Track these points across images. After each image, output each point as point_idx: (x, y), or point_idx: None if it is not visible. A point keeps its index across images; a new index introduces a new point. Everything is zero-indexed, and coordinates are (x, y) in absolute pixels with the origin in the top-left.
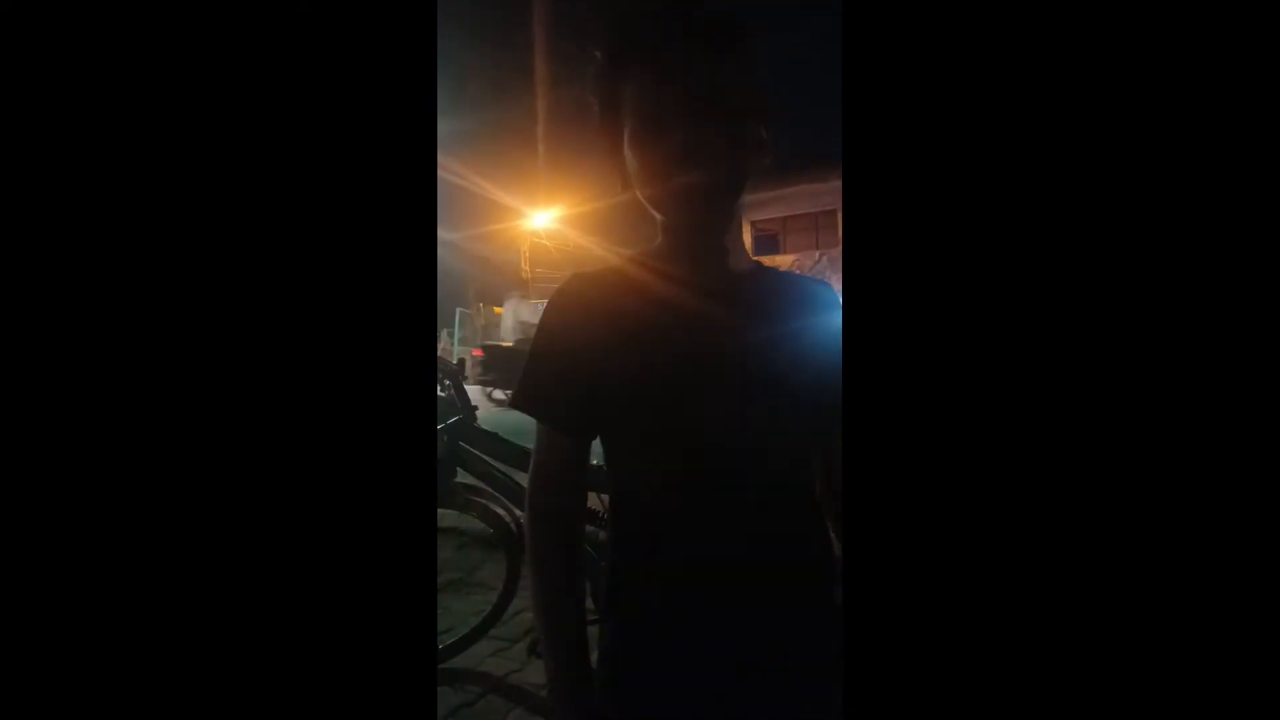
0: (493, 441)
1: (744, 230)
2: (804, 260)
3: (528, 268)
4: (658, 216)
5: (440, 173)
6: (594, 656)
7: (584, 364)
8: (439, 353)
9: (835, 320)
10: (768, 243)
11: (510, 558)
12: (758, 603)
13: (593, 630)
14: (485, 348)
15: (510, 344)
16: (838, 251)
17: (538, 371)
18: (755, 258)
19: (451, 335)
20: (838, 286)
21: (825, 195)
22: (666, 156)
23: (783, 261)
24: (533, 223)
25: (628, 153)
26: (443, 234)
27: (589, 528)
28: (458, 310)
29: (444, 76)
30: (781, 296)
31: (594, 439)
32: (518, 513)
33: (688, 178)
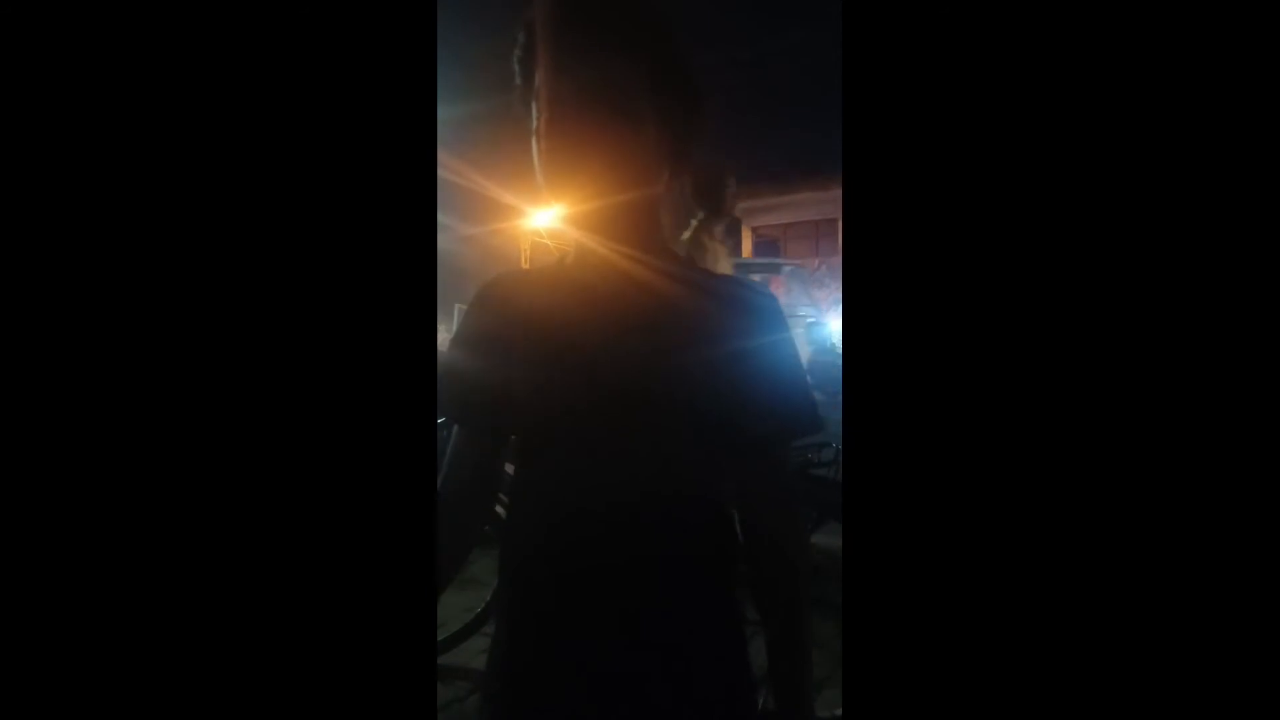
0: None
1: (745, 233)
2: (804, 267)
3: (528, 266)
4: (555, 213)
5: (441, 171)
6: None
7: (495, 367)
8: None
9: (764, 331)
10: (768, 249)
11: None
12: (651, 617)
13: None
14: None
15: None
16: (838, 259)
17: (451, 372)
18: (758, 257)
19: (450, 331)
20: (838, 294)
21: (827, 203)
22: (559, 147)
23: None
24: (533, 221)
25: (533, 141)
26: (453, 230)
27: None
28: (455, 306)
29: (443, 72)
30: (704, 303)
31: (508, 436)
32: None
33: (576, 173)
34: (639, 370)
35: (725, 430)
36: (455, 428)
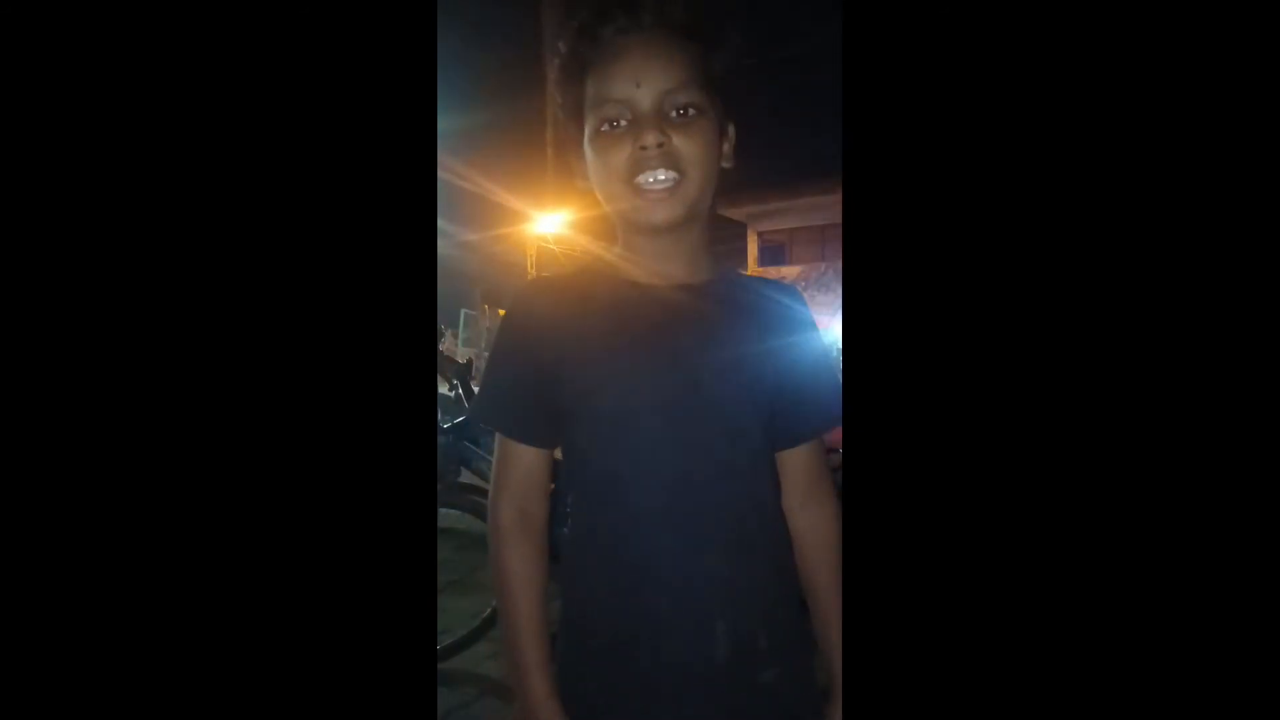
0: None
1: (752, 238)
2: (809, 272)
3: (534, 272)
4: (616, 218)
5: (447, 176)
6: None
7: (540, 372)
8: (445, 353)
9: (798, 330)
10: (774, 254)
11: None
12: (713, 621)
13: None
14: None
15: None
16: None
17: (495, 380)
18: (761, 268)
19: (456, 336)
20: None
21: (833, 208)
22: (623, 154)
23: (789, 273)
24: (539, 227)
25: (586, 148)
26: (460, 235)
27: None
28: (463, 311)
29: (450, 78)
30: (742, 305)
31: (555, 447)
32: None
33: (637, 167)
34: (691, 373)
35: (772, 423)
36: (499, 437)
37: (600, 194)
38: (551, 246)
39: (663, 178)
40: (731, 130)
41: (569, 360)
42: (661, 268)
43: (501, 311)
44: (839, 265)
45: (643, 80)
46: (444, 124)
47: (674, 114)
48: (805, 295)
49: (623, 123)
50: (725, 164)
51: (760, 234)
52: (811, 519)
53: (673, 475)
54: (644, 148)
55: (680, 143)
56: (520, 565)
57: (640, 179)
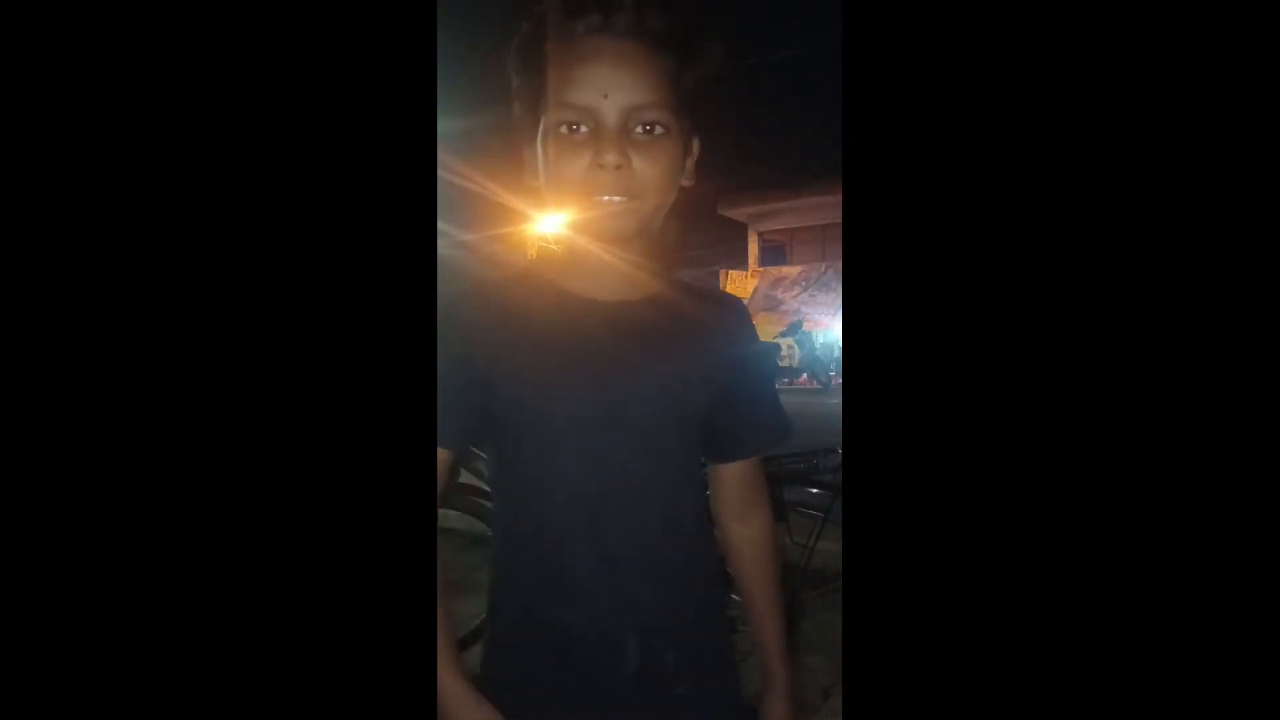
0: None
1: (752, 238)
2: (810, 272)
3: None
4: (561, 219)
5: (447, 175)
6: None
7: (468, 376)
8: None
9: (739, 349)
10: (775, 254)
11: None
12: (621, 634)
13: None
14: None
15: None
16: None
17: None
18: (762, 268)
19: None
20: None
21: (834, 207)
22: (580, 165)
23: (789, 273)
24: (539, 227)
25: (540, 145)
26: (460, 235)
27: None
28: None
29: (449, 77)
30: (681, 323)
31: (464, 450)
32: None
33: (592, 184)
34: (616, 389)
35: (710, 442)
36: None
37: (550, 196)
38: (552, 247)
39: (617, 200)
40: (696, 146)
41: (500, 366)
42: (603, 279)
43: None
44: (839, 265)
45: (611, 91)
46: (444, 124)
47: (639, 130)
48: (806, 295)
49: (583, 129)
50: (686, 182)
51: (761, 234)
52: (747, 533)
53: (589, 489)
54: (602, 166)
55: (640, 164)
56: None
57: (594, 197)
